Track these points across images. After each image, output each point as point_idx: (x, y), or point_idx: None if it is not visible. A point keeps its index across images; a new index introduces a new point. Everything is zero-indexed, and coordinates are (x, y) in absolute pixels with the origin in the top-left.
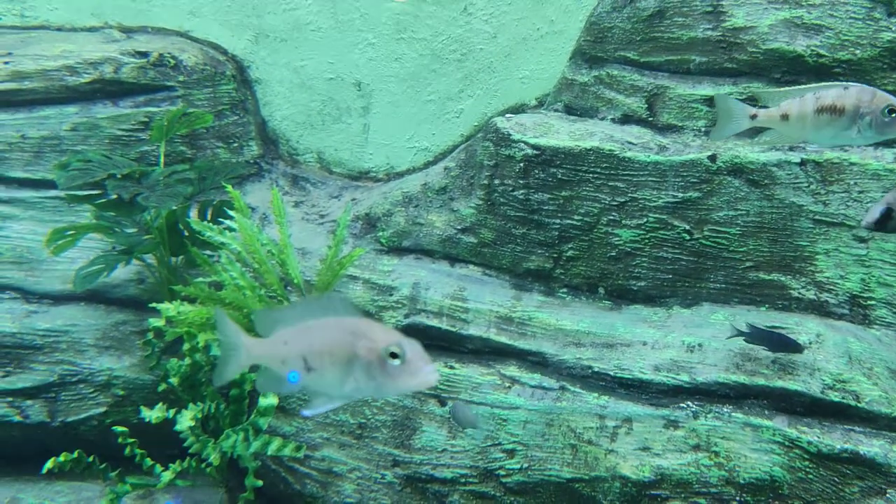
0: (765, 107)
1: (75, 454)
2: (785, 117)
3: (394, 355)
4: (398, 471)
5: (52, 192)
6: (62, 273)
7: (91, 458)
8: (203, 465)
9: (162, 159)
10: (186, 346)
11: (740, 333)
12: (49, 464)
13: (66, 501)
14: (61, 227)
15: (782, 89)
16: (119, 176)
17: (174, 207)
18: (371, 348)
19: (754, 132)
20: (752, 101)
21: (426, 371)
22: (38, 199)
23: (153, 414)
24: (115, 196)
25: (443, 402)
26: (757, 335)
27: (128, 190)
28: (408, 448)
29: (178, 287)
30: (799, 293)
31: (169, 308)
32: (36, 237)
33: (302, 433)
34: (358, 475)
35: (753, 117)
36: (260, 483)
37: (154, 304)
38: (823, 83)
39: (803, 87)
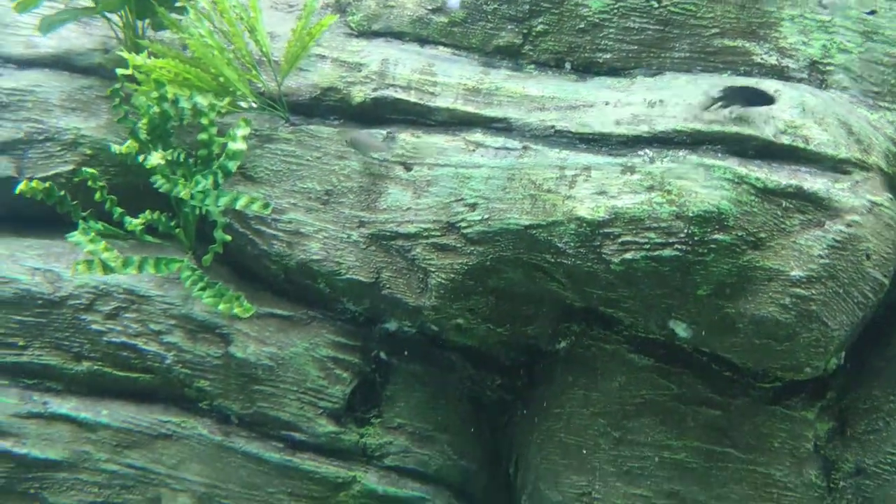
0: None
1: (47, 184)
2: None
3: None
4: (363, 230)
5: None
6: (25, 39)
7: (62, 193)
8: (172, 225)
9: None
10: (155, 95)
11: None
12: (22, 186)
13: (36, 254)
14: None
15: None
16: None
17: None
18: None
19: None
20: None
21: None
22: None
23: (121, 148)
24: None
25: (408, 168)
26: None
27: None
28: (373, 210)
29: (145, 42)
30: (761, 59)
31: (137, 58)
32: None
33: (269, 199)
34: (324, 235)
35: None
36: (229, 238)
37: (121, 53)
38: None
39: None
